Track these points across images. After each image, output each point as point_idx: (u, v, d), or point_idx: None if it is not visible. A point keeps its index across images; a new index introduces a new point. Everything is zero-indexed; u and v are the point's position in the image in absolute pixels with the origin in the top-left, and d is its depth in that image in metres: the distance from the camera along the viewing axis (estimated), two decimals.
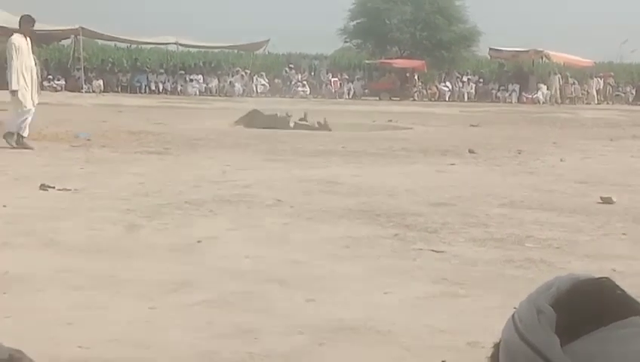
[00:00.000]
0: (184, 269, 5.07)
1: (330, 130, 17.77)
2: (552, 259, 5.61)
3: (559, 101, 38.67)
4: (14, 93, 11.85)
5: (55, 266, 5.03)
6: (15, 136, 11.68)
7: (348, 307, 4.39)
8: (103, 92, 36.60)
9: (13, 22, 37.15)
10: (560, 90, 39.72)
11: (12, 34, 12.21)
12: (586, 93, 41.18)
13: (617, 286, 0.93)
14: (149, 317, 4.15)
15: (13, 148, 11.52)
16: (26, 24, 12.11)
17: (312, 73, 43.05)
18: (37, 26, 39.27)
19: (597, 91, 41.62)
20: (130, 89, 38.59)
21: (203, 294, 4.54)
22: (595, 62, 43.18)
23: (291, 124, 18.35)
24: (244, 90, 38.81)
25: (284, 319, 4.16)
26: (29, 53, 12.01)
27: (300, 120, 18.72)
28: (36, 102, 12.08)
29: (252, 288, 4.70)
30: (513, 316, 0.93)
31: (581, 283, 0.92)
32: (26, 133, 11.76)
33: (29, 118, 11.83)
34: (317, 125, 18.23)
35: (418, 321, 4.18)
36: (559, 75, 39.93)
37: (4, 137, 11.70)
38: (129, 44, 43.25)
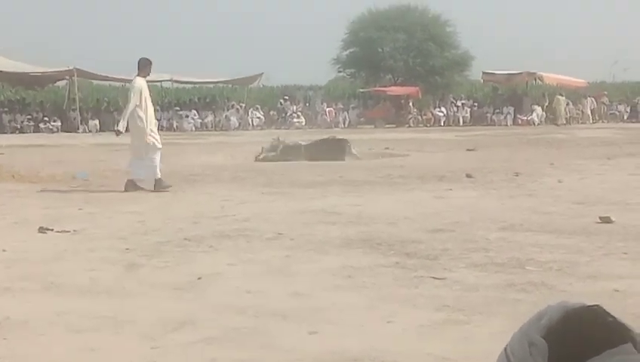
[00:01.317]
0: (185, 307, 5.06)
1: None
2: (554, 281, 5.59)
3: (563, 122, 38.60)
4: (118, 133, 12.38)
5: (56, 309, 5.01)
6: (158, 182, 11.77)
7: (351, 338, 4.37)
8: (100, 131, 36.68)
9: (8, 66, 37.17)
10: (564, 111, 39.64)
11: (134, 78, 12.27)
12: (580, 113, 41.32)
13: (608, 313, 0.93)
14: (152, 357, 4.13)
15: (160, 191, 11.54)
16: (146, 67, 12.19)
17: (307, 104, 43.19)
18: (31, 69, 39.18)
19: (591, 111, 41.76)
20: (126, 128, 38.66)
21: (205, 331, 4.52)
22: (588, 83, 43.38)
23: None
24: (240, 124, 38.95)
25: (287, 353, 4.14)
26: (149, 95, 12.20)
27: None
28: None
29: (254, 323, 4.68)
30: (505, 349, 0.93)
31: (572, 313, 0.92)
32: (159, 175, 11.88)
33: (158, 158, 11.94)
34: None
35: (422, 350, 4.16)
36: (564, 97, 39.88)
37: (157, 188, 11.68)
38: (123, 83, 43.42)
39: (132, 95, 11.99)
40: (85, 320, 4.77)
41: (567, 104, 40.82)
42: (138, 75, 12.19)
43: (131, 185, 11.76)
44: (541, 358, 0.88)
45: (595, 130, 31.52)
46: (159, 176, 11.88)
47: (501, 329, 4.34)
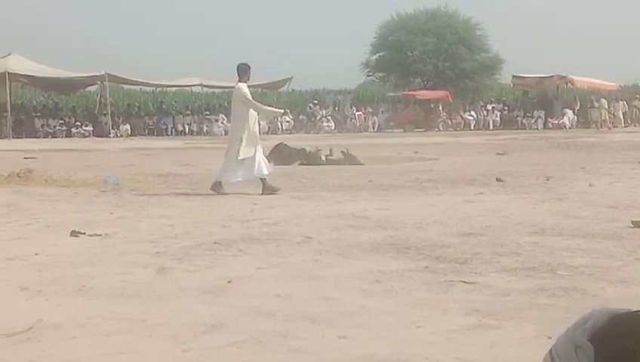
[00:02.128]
0: (216, 310, 5.08)
1: (361, 163, 17.72)
2: (585, 286, 5.55)
3: (609, 125, 38.21)
4: (282, 113, 12.36)
5: (88, 312, 5.06)
6: (219, 183, 11.91)
7: (380, 342, 4.36)
8: (131, 136, 36.99)
9: (41, 71, 37.64)
10: (607, 113, 39.18)
11: (237, 83, 12.41)
12: (612, 116, 40.95)
13: None
14: (182, 360, 4.15)
15: (220, 193, 11.68)
16: (246, 72, 12.36)
17: (337, 108, 43.26)
18: (63, 74, 39.67)
19: (623, 114, 41.37)
20: (156, 131, 39.01)
21: (235, 335, 4.53)
22: (620, 86, 42.99)
23: (323, 158, 18.36)
24: (269, 128, 39.07)
25: (316, 357, 4.14)
26: None
27: (328, 155, 18.69)
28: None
29: (284, 327, 4.69)
30: (551, 351, 0.93)
31: (618, 317, 0.92)
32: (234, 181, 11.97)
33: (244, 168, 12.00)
34: (344, 159, 18.19)
35: (452, 355, 4.14)
36: (604, 100, 39.45)
37: (213, 188, 11.84)
38: (154, 88, 43.80)
39: (248, 99, 12.09)
40: (116, 323, 4.81)
41: (599, 108, 40.46)
42: (240, 81, 12.30)
43: (218, 187, 11.87)
44: (587, 361, 0.88)
45: (626, 134, 31.21)
46: (264, 175, 11.89)
47: (532, 335, 4.32)
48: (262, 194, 11.61)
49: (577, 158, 18.29)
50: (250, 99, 12.21)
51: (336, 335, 4.49)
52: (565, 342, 0.91)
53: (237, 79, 12.41)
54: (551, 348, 0.93)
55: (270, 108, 12.23)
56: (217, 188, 11.87)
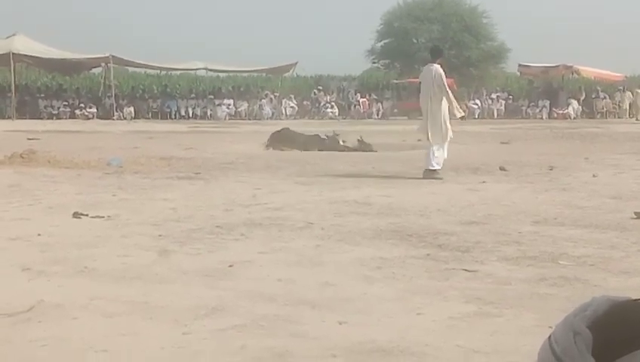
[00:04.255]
0: (217, 294, 5.09)
1: (374, 150, 17.69)
2: (587, 276, 5.55)
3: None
4: (463, 118, 12.64)
5: (89, 293, 5.07)
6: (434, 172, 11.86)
7: (381, 328, 4.37)
8: (134, 118, 36.98)
9: (45, 52, 37.61)
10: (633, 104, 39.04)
11: (431, 64, 12.25)
12: (617, 107, 40.87)
13: None
14: (183, 342, 4.16)
15: (433, 178, 11.61)
16: (442, 54, 12.53)
17: (341, 94, 43.19)
18: (68, 56, 39.54)
19: (629, 105, 41.28)
20: (160, 115, 39.01)
21: (236, 318, 4.54)
22: (626, 76, 42.90)
23: (341, 142, 18.31)
24: (273, 113, 39.09)
25: (316, 342, 4.15)
26: None
27: (343, 142, 18.59)
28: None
29: (284, 311, 4.70)
30: (549, 338, 0.93)
31: (618, 305, 0.91)
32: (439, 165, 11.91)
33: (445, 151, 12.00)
34: (359, 146, 18.14)
35: (452, 342, 4.15)
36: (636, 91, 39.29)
37: (425, 176, 11.79)
38: (159, 71, 43.75)
39: (445, 84, 12.00)
40: (118, 305, 4.82)
41: (604, 98, 40.35)
42: (435, 63, 12.23)
43: (429, 174, 11.82)
44: (585, 348, 0.87)
45: (631, 125, 31.15)
46: (435, 168, 11.85)
47: (533, 324, 4.32)
48: (423, 178, 11.67)
49: (581, 149, 18.27)
50: (445, 82, 11.97)
51: (337, 321, 4.50)
52: (564, 328, 0.91)
53: (430, 59, 12.39)
54: (550, 335, 0.93)
55: (457, 107, 12.10)
56: (429, 175, 11.77)
